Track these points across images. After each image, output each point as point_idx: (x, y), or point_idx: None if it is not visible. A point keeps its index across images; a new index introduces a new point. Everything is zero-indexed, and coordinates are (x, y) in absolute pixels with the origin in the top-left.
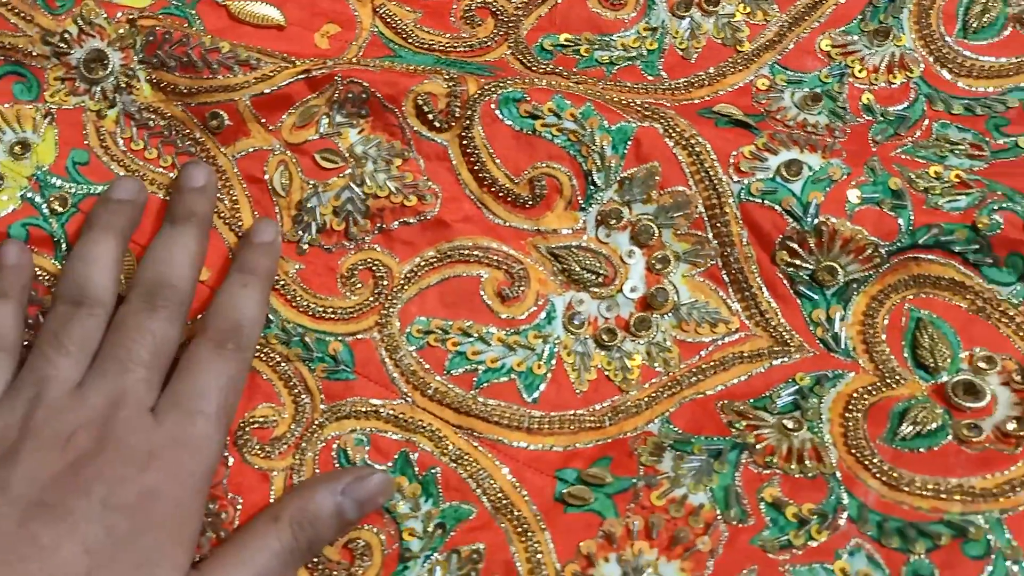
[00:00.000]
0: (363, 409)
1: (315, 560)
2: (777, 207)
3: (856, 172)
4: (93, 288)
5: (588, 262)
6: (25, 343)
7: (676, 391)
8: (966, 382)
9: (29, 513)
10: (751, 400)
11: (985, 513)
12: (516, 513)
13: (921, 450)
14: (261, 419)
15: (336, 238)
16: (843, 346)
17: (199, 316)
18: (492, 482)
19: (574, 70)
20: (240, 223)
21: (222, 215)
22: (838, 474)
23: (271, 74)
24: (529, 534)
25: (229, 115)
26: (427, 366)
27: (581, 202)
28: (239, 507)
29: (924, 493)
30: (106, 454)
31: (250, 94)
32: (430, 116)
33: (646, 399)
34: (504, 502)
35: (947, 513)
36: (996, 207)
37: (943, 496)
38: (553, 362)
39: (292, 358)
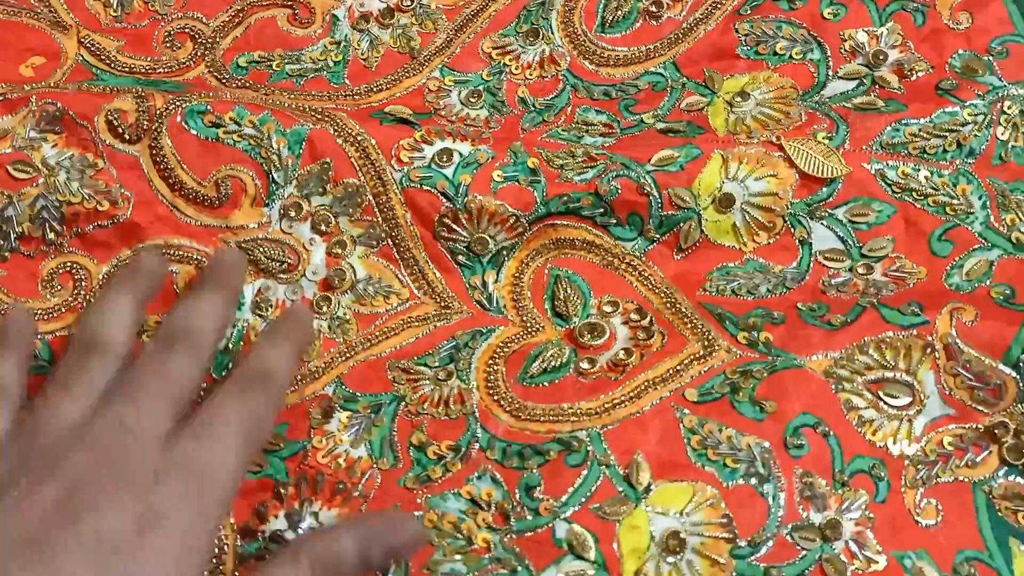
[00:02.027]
0: None
1: None
2: (433, 190)
3: (500, 155)
4: (105, 335)
5: (274, 252)
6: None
7: (351, 356)
8: (590, 324)
9: (14, 551)
10: (415, 358)
11: (588, 429)
12: None
13: (545, 384)
14: None
15: (35, 244)
16: (495, 305)
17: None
18: None
19: (266, 83)
20: None
21: None
22: (476, 412)
23: None
24: None
25: None
26: None
27: (265, 199)
28: None
29: (542, 419)
30: (103, 479)
31: None
32: (120, 130)
33: (323, 365)
34: None
35: (559, 433)
36: (614, 175)
37: (556, 419)
38: (241, 344)
39: None
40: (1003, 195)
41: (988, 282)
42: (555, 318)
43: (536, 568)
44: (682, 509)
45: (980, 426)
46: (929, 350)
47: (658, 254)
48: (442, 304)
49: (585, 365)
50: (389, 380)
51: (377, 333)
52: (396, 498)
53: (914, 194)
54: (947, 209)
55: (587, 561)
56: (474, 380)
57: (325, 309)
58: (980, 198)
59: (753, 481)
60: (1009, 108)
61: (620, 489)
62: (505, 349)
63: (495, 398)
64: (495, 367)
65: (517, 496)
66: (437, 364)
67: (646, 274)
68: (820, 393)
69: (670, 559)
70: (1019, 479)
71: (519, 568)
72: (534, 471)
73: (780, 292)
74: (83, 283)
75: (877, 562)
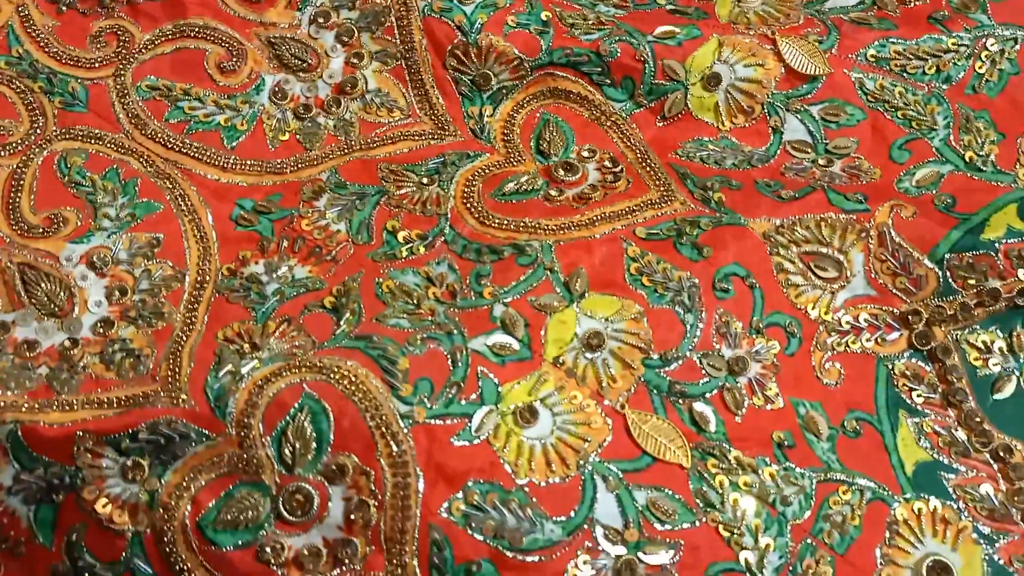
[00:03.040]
0: (89, 135)
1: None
2: (451, 22)
3: (518, 4)
4: None
5: (298, 52)
6: None
7: (348, 152)
8: (567, 162)
9: None
10: (405, 164)
11: (542, 241)
12: (198, 221)
13: (513, 202)
14: None
15: (90, 4)
16: (486, 134)
17: None
18: (183, 194)
19: None
20: None
21: None
22: (448, 215)
23: None
24: (204, 240)
25: None
26: (149, 113)
27: (299, 3)
28: None
29: (504, 227)
30: None
31: None
32: None
33: (323, 155)
34: (189, 207)
35: (516, 240)
36: (617, 39)
37: (516, 230)
38: (254, 123)
39: (36, 90)
40: (967, 120)
41: (934, 191)
42: (537, 155)
43: (469, 334)
44: (608, 316)
45: (896, 310)
46: (864, 234)
47: (642, 118)
48: (439, 125)
49: (553, 193)
50: (378, 177)
51: (376, 139)
52: (361, 265)
53: (886, 105)
54: (913, 124)
55: (515, 338)
56: (452, 190)
57: (334, 110)
58: (945, 119)
59: (677, 309)
60: (991, 45)
61: (558, 291)
62: (486, 171)
63: (467, 206)
64: (474, 183)
65: (467, 281)
66: (423, 172)
67: (627, 133)
68: (755, 251)
69: (588, 354)
70: (921, 363)
71: (454, 332)
72: (487, 264)
73: (744, 168)
74: (126, 44)
75: (774, 402)
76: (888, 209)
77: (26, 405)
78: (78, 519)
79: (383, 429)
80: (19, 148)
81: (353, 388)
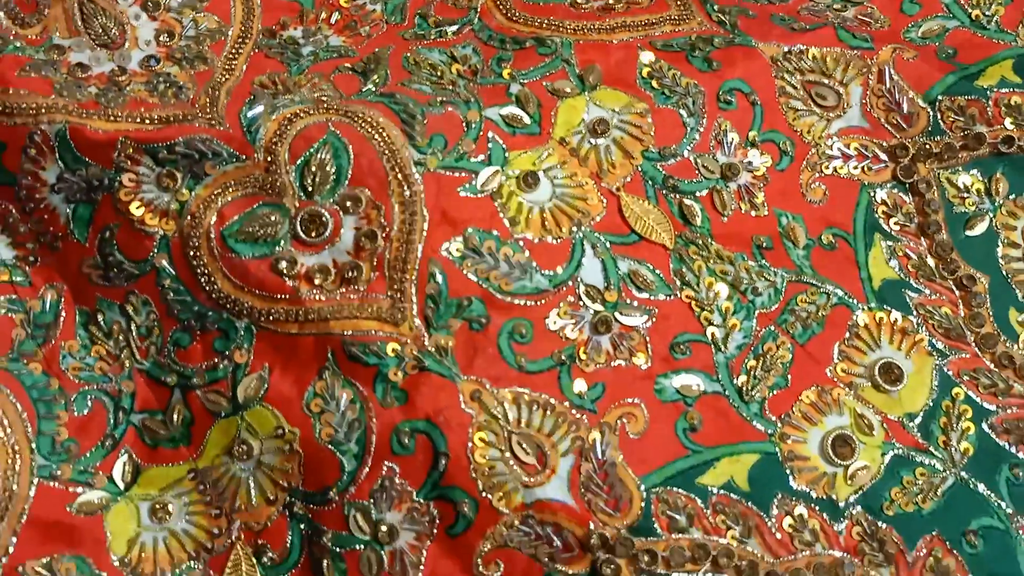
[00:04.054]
0: None
1: None
2: None
3: None
4: None
5: None
6: None
7: None
8: None
9: None
10: None
11: (563, 38)
12: None
13: (540, 3)
14: None
15: None
16: None
17: None
18: None
19: None
20: None
21: None
22: (478, 8)
23: None
24: (249, 3)
25: None
26: None
27: None
28: None
29: (529, 23)
30: None
31: None
32: None
33: None
34: None
35: (538, 34)
36: None
37: (540, 27)
38: None
39: None
40: None
41: (938, 43)
42: None
43: (485, 104)
44: (615, 108)
45: (885, 143)
46: (865, 70)
47: None
48: None
49: (580, 0)
50: None
51: None
52: (392, 41)
53: None
54: None
55: (526, 113)
56: None
57: None
58: None
59: (681, 111)
60: None
61: (572, 80)
62: None
63: (496, 3)
64: None
65: (488, 63)
66: None
67: None
68: (761, 72)
69: (593, 139)
70: (902, 194)
71: (471, 100)
72: (509, 52)
73: (762, 3)
74: None
75: (759, 210)
76: (891, 50)
77: (75, 110)
78: (112, 219)
79: (397, 171)
80: None
81: (373, 132)
